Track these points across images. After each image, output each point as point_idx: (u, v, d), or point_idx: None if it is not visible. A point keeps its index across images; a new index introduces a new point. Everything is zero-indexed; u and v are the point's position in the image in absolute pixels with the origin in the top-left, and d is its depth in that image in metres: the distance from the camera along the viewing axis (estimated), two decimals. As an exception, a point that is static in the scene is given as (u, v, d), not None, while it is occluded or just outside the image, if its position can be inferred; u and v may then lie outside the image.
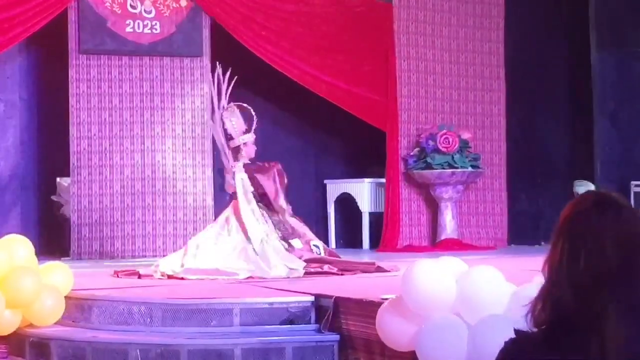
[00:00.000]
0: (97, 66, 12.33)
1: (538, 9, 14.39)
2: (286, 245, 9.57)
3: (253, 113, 9.89)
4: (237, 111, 9.89)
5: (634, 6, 13.58)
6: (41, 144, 12.98)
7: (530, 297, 2.55)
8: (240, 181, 9.70)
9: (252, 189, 9.72)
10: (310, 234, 9.93)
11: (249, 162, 9.87)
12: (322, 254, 9.71)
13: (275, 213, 9.79)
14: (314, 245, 9.74)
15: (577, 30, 14.19)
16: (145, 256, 12.22)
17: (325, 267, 9.36)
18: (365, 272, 9.42)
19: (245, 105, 9.99)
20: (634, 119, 13.70)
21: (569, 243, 2.47)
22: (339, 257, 9.89)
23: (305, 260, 9.39)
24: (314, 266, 9.36)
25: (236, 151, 9.87)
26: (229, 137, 9.89)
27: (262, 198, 9.78)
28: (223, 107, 9.92)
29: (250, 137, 9.87)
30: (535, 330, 2.48)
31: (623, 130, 13.70)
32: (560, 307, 2.45)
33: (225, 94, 9.97)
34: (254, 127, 9.90)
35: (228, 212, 9.67)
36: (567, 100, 14.69)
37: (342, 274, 9.26)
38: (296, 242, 9.63)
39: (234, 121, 9.86)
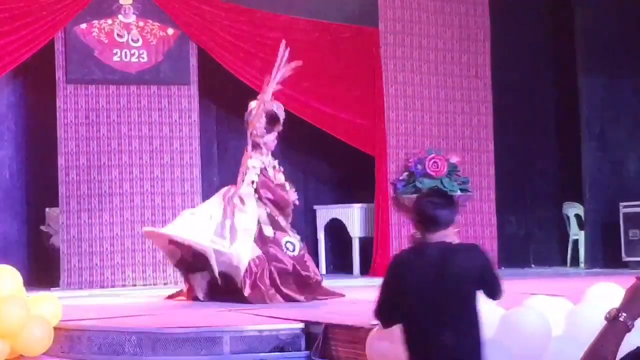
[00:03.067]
0: (84, 95, 12.33)
1: (524, 31, 14.45)
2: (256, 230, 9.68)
3: (277, 113, 10.06)
4: (262, 114, 10.02)
5: (619, 29, 13.65)
6: (30, 174, 12.96)
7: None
8: (252, 169, 9.85)
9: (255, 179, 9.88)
10: (290, 232, 9.93)
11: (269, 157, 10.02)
12: (297, 253, 9.70)
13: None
14: (287, 242, 9.73)
15: (564, 53, 14.25)
16: (135, 285, 12.19)
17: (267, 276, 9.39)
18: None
19: (271, 105, 10.09)
20: (621, 140, 13.75)
21: None
22: (307, 268, 9.77)
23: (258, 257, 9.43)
24: (258, 265, 9.38)
25: (257, 144, 9.99)
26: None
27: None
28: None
29: (272, 137, 10.02)
30: None
31: (610, 152, 13.74)
32: None
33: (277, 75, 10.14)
34: (278, 126, 10.07)
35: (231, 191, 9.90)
36: (554, 122, 14.73)
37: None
38: (268, 230, 9.69)
39: (258, 124, 10.03)
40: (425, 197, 4.73)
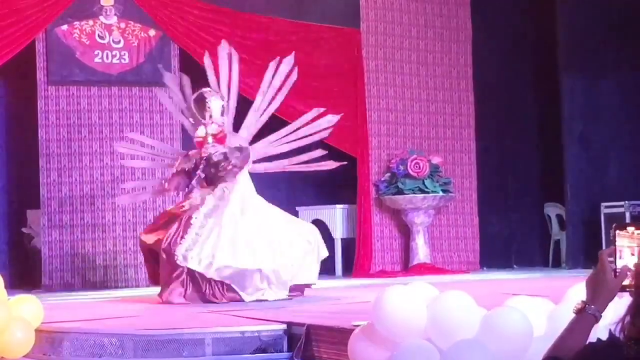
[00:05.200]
0: (66, 97, 12.30)
1: (505, 32, 14.48)
2: None
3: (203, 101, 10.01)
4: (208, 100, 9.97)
5: (600, 28, 13.69)
6: (11, 176, 12.91)
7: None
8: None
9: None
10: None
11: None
12: None
13: None
14: None
15: (545, 53, 14.28)
16: (117, 287, 12.16)
17: None
18: None
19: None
20: (602, 140, 13.78)
21: None
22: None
23: None
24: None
25: None
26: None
27: None
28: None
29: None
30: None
31: (592, 152, 13.77)
32: None
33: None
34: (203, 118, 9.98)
35: None
36: (536, 122, 14.77)
37: None
38: None
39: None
40: None
